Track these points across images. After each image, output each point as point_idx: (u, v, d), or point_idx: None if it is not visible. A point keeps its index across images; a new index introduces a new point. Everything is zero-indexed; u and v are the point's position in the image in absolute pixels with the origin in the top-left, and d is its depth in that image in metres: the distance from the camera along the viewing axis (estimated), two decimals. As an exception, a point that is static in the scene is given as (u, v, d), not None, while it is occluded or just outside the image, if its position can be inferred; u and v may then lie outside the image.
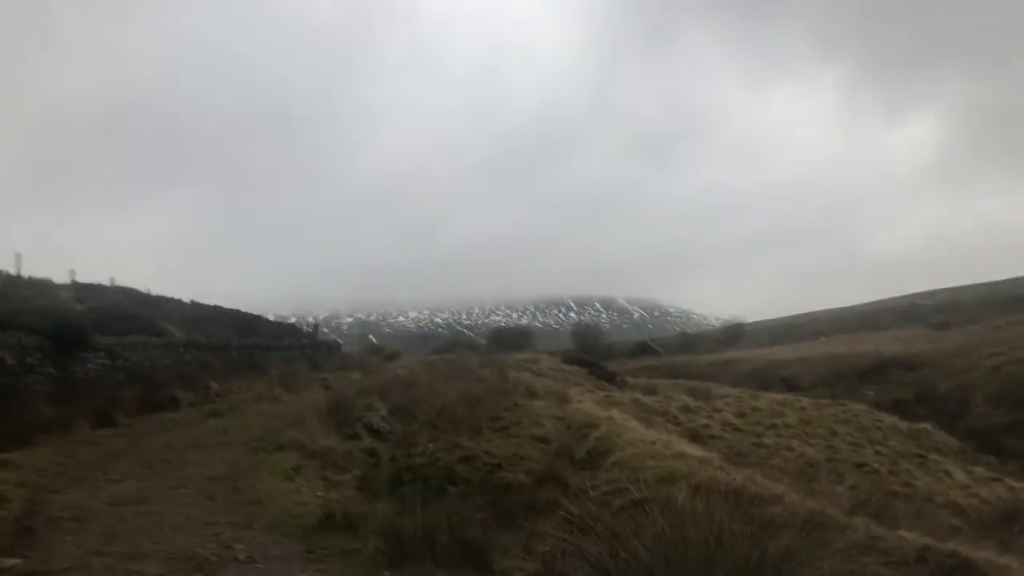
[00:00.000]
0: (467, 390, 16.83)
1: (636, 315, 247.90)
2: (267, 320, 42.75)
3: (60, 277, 29.24)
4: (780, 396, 30.91)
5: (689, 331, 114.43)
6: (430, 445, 12.52)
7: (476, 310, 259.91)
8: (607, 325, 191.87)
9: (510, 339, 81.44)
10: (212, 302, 39.04)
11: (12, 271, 21.42)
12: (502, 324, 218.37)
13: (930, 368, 40.69)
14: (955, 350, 42.66)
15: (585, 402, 18.08)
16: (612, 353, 71.04)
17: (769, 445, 20.50)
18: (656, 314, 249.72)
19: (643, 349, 76.38)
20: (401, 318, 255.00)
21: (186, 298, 38.44)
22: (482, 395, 16.59)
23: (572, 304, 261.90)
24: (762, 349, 60.92)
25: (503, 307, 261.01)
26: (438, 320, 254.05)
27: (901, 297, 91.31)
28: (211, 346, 24.78)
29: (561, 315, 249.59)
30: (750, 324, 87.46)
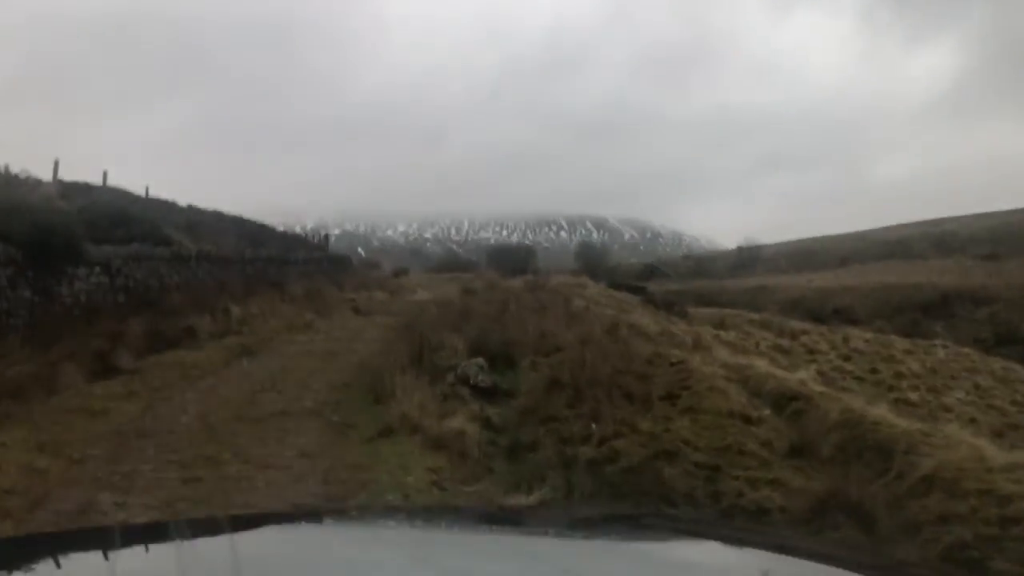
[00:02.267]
0: (585, 332, 12.66)
1: (627, 235, 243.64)
2: (273, 230, 38.23)
3: (43, 175, 24.64)
4: (867, 334, 27.03)
5: (694, 253, 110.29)
6: (593, 426, 8.36)
7: (466, 226, 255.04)
8: (598, 245, 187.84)
9: (511, 258, 77.24)
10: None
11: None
12: (491, 241, 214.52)
13: (1003, 303, 36.95)
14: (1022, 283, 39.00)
15: (721, 349, 14.00)
16: (616, 275, 67.05)
17: (917, 403, 16.59)
18: (648, 235, 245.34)
19: (651, 272, 72.38)
20: (390, 232, 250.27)
21: (181, 201, 33.85)
22: (600, 339, 12.43)
23: (563, 223, 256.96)
24: (791, 276, 57.06)
25: (493, 224, 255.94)
26: (427, 235, 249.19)
27: (918, 223, 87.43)
28: (223, 259, 20.42)
29: (552, 234, 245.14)
30: (764, 247, 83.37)
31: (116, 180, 25.21)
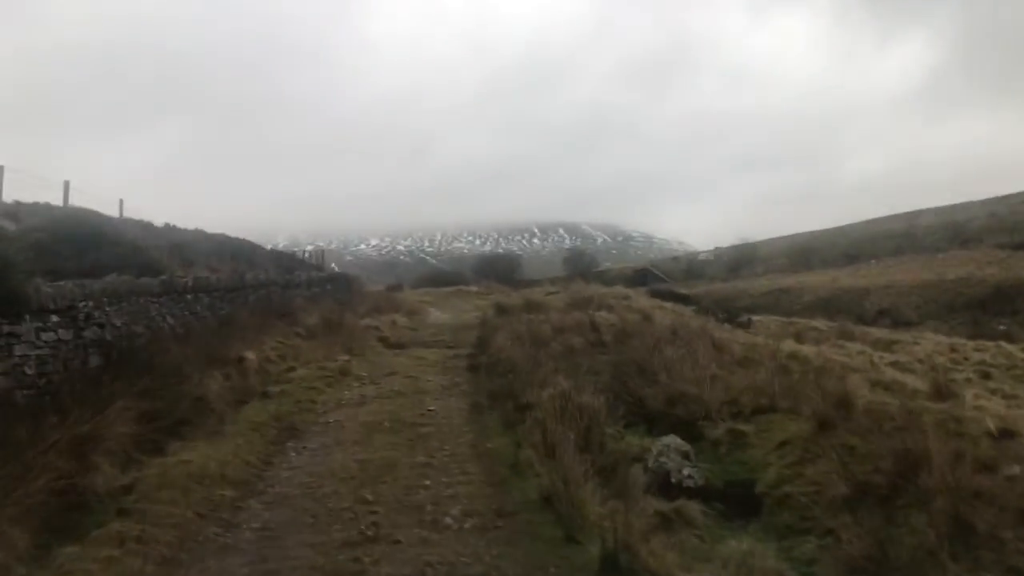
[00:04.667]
0: (817, 381, 8.20)
1: (599, 240, 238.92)
2: (264, 248, 33.44)
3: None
4: (969, 341, 22.95)
5: (680, 256, 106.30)
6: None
7: (439, 237, 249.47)
8: (586, 250, 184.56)
9: (497, 267, 73.19)
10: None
11: None
12: (464, 251, 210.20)
13: (1072, 297, 33.21)
14: (1085, 274, 35.38)
15: (974, 396, 9.62)
16: (607, 280, 62.84)
17: None
18: (619, 239, 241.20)
19: (644, 276, 68.32)
20: (362, 246, 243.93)
21: (157, 221, 28.89)
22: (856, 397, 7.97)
23: (536, 230, 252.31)
24: (804, 275, 53.04)
25: (466, 234, 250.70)
26: (400, 247, 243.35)
27: (902, 215, 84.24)
28: (222, 288, 15.79)
29: (524, 241, 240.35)
30: (760, 245, 79.37)
31: (87, 202, 20.24)
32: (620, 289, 28.27)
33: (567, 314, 19.74)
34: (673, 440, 7.03)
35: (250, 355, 12.21)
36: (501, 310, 23.77)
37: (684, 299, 27.47)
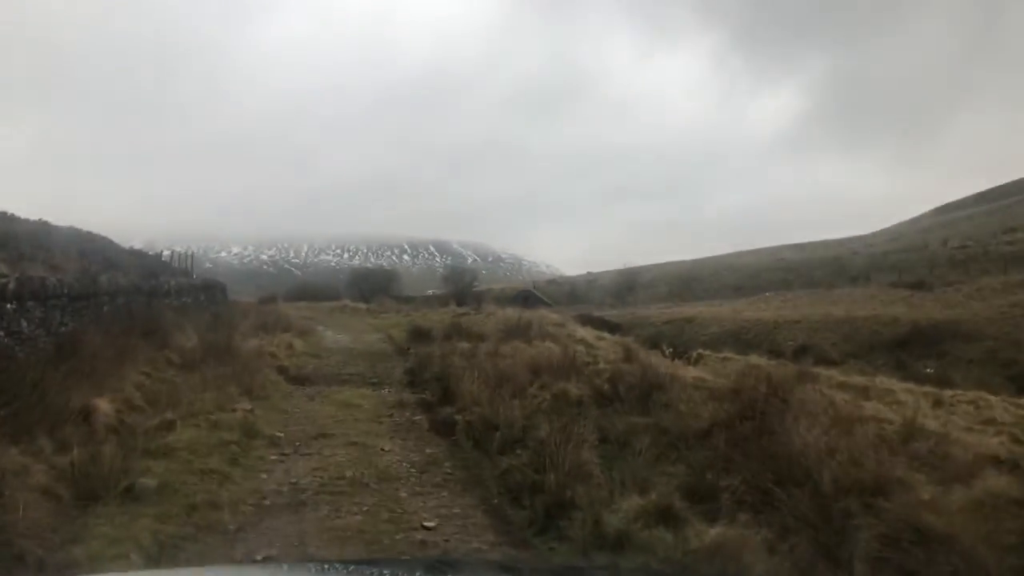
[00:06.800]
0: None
1: (470, 260, 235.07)
2: (121, 247, 27.85)
3: None
4: (953, 391, 20.30)
5: (557, 279, 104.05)
6: None
7: (305, 248, 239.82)
8: (440, 269, 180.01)
9: (374, 281, 68.60)
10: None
11: None
12: (332, 264, 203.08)
13: (993, 340, 31.65)
14: (999, 317, 34.10)
15: None
16: (485, 300, 59.25)
17: None
18: (489, 260, 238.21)
19: (526, 298, 65.18)
20: (223, 253, 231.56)
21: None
22: None
23: (406, 246, 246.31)
24: (696, 304, 50.99)
25: (334, 246, 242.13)
26: (264, 257, 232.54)
27: (768, 249, 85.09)
28: (64, 294, 10.98)
29: (394, 257, 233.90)
30: (637, 272, 77.63)
31: None
32: (547, 314, 24.45)
33: (508, 343, 15.77)
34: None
35: (103, 404, 7.64)
36: (419, 334, 19.52)
37: (615, 327, 23.95)
